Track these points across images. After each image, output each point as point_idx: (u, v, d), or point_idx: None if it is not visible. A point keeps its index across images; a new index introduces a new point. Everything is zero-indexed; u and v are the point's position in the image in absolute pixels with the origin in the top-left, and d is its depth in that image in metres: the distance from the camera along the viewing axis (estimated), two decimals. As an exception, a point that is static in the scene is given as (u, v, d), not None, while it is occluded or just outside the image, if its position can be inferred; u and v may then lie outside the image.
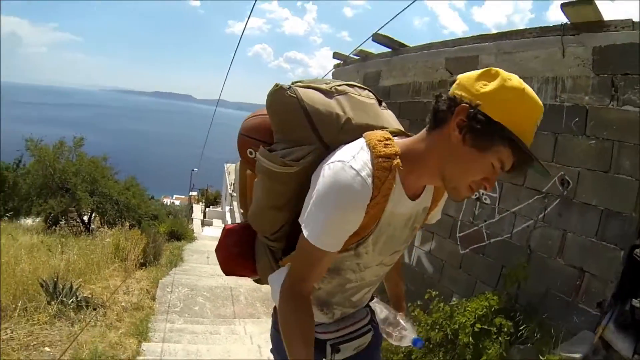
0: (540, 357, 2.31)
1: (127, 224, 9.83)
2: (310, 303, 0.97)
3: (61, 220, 12.33)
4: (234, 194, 18.94)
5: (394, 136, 0.97)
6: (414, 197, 0.99)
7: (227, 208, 17.82)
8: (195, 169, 27.15)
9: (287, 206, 1.00)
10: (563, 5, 2.68)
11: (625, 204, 2.36)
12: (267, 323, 3.97)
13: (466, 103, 0.82)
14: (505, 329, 2.51)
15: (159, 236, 9.81)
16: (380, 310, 1.26)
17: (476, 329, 2.60)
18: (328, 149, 0.96)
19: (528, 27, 3.25)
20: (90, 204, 12.32)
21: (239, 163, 1.29)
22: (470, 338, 2.60)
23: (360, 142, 0.93)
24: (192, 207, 24.54)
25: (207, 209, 24.93)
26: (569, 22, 2.74)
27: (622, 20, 2.53)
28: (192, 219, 20.12)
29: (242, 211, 1.28)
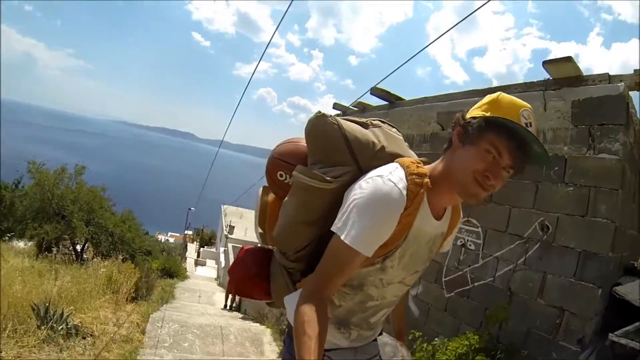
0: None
1: (121, 256, 9.69)
2: (327, 307, 0.99)
3: (54, 247, 12.22)
4: (230, 236, 18.93)
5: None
6: (437, 217, 1.10)
7: (222, 249, 17.78)
8: (192, 208, 27.08)
9: (318, 222, 1.07)
10: (545, 63, 2.94)
11: (602, 245, 2.49)
12: (254, 360, 3.92)
13: (461, 118, 1.03)
14: (485, 366, 2.54)
15: (152, 272, 9.73)
16: (381, 343, 1.31)
17: (456, 367, 2.63)
18: (362, 172, 1.06)
19: (514, 83, 3.54)
20: (85, 233, 12.22)
21: (260, 189, 1.36)
22: (451, 375, 2.62)
23: (395, 164, 1.06)
24: (186, 245, 24.34)
25: (202, 249, 24.71)
26: (550, 78, 2.96)
27: (599, 75, 2.78)
28: (186, 258, 19.94)
29: (260, 231, 1.32)
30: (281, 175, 1.19)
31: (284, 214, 1.15)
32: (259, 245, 1.38)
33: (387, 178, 0.99)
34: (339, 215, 0.99)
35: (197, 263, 20.44)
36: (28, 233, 11.75)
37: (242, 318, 7.35)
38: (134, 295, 6.65)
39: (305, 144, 1.19)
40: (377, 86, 5.05)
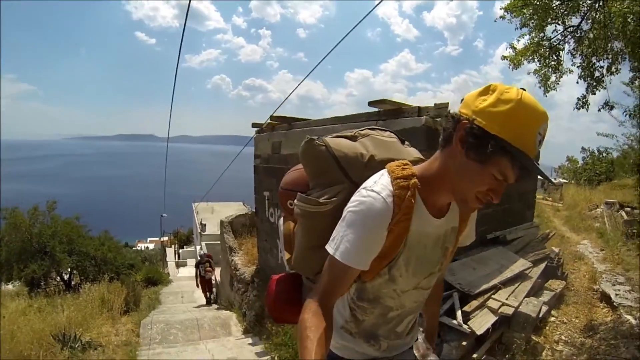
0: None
1: (107, 277, 10.76)
2: (332, 315, 0.99)
3: (42, 282, 12.70)
4: (203, 233, 20.07)
5: (414, 164, 1.05)
6: (438, 215, 1.05)
7: (199, 247, 18.72)
8: (164, 215, 27.64)
9: (324, 245, 1.02)
10: (369, 103, 3.96)
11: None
12: (224, 340, 5.68)
13: (465, 119, 0.88)
14: None
15: (137, 284, 11.21)
16: (417, 346, 1.33)
17: None
18: (357, 186, 1.02)
19: (359, 113, 4.56)
20: (69, 263, 12.97)
21: (281, 219, 1.42)
22: None
23: (382, 171, 1.03)
24: (165, 251, 25.36)
25: (181, 250, 25.50)
26: (382, 111, 3.95)
27: (411, 108, 3.60)
28: (167, 263, 21.15)
29: (287, 257, 1.35)
30: (291, 204, 1.20)
31: (296, 241, 1.19)
32: (288, 271, 1.41)
33: (370, 189, 0.96)
34: (334, 231, 0.99)
35: (178, 265, 21.11)
36: (15, 275, 12.32)
37: (217, 309, 9.09)
38: (125, 308, 8.21)
39: None
40: (275, 114, 6.54)
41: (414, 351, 1.31)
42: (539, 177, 0.95)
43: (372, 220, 0.95)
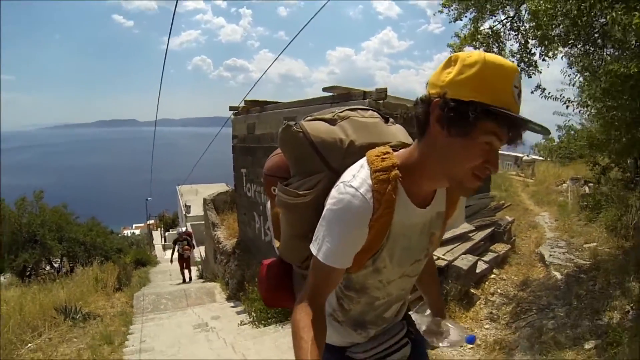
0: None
1: (97, 261, 11.12)
2: (324, 313, 0.99)
3: (32, 272, 12.91)
4: (188, 215, 20.50)
5: (396, 149, 1.00)
6: (423, 204, 1.00)
7: (184, 229, 19.01)
8: (149, 199, 27.82)
9: (308, 234, 1.00)
10: (324, 89, 4.98)
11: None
12: (210, 305, 6.49)
13: (436, 97, 0.83)
14: None
15: (127, 265, 11.87)
16: (420, 323, 1.31)
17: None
18: (338, 174, 0.98)
19: (317, 97, 5.37)
20: (60, 250, 13.30)
21: (268, 202, 1.38)
22: None
23: (361, 161, 0.97)
24: (151, 234, 25.75)
25: (167, 233, 25.79)
26: (335, 94, 4.89)
27: (358, 92, 4.41)
28: (154, 246, 21.69)
29: (276, 245, 1.31)
30: (274, 190, 1.15)
31: (282, 229, 1.17)
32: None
33: (349, 184, 0.91)
34: (316, 230, 0.96)
35: (165, 247, 21.41)
36: (7, 266, 12.43)
37: (202, 282, 9.89)
38: (117, 286, 8.88)
39: None
40: (247, 99, 7.28)
41: (425, 336, 1.30)
42: (533, 129, 0.83)
43: (351, 219, 0.91)
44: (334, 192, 0.93)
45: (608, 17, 3.11)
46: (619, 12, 2.88)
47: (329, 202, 0.93)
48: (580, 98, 4.41)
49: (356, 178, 0.92)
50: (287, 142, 1.08)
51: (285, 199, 1.05)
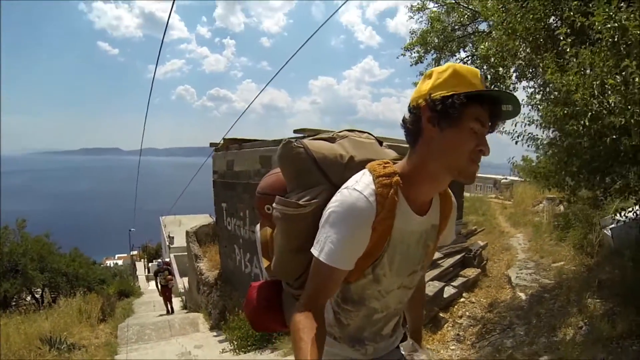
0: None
1: (81, 291, 11.24)
2: (324, 315, 1.00)
3: (13, 302, 12.84)
4: (172, 246, 20.43)
5: (393, 163, 1.05)
6: (421, 212, 1.05)
7: (167, 260, 18.92)
8: (132, 229, 27.63)
9: (305, 247, 1.01)
10: (294, 131, 5.35)
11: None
12: (193, 335, 6.75)
13: (423, 102, 0.93)
14: None
15: (111, 296, 11.92)
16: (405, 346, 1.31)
17: None
18: (337, 188, 1.01)
19: (295, 137, 6.13)
20: (42, 280, 13.18)
21: (258, 225, 1.40)
22: None
23: (363, 170, 1.02)
24: (134, 265, 25.49)
25: (150, 264, 25.70)
26: (305, 135, 5.50)
27: (326, 132, 4.96)
28: (137, 277, 21.49)
29: (265, 266, 1.31)
30: (268, 209, 1.19)
31: (275, 245, 1.17)
32: (267, 278, 1.38)
33: (353, 188, 0.95)
34: (317, 234, 0.98)
35: (148, 279, 21.17)
36: None
37: (186, 312, 10.04)
38: (101, 317, 9.01)
39: None
40: (226, 137, 7.70)
41: (402, 351, 1.29)
42: (507, 109, 0.94)
43: (356, 220, 0.93)
44: (336, 197, 0.96)
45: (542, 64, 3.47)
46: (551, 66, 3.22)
47: (332, 205, 0.95)
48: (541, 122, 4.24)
49: (359, 183, 0.96)
50: (287, 158, 1.10)
51: (285, 210, 1.06)
